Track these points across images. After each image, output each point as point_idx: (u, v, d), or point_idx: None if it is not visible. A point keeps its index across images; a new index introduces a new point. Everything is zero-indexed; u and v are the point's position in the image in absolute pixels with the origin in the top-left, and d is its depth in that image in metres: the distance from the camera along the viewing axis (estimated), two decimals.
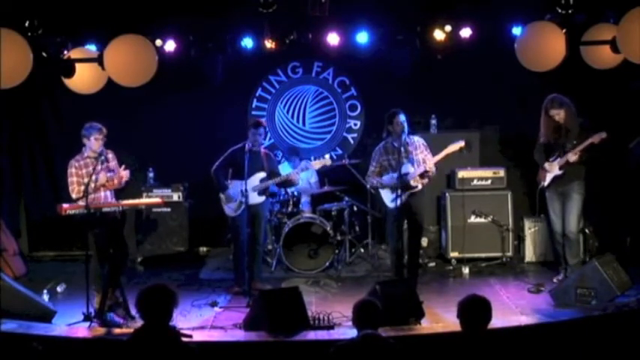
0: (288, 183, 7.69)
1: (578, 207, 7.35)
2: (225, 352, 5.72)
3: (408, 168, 7.19)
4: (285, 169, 8.35)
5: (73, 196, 6.67)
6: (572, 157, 7.23)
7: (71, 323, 6.39)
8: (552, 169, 7.36)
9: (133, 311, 6.14)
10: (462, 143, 7.21)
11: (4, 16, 6.66)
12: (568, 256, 7.40)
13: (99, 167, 6.67)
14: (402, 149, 7.18)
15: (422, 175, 7.20)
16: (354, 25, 7.87)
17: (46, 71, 7.14)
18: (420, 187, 7.24)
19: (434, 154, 7.30)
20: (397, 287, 6.46)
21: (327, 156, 7.60)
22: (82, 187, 6.61)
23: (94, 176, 6.60)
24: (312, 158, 7.67)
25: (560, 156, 7.32)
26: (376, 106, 9.21)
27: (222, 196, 7.52)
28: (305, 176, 8.63)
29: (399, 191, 7.05)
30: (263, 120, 8.32)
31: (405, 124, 7.17)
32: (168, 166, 9.18)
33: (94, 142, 6.69)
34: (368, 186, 7.75)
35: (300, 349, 5.73)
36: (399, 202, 7.04)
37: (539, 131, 7.50)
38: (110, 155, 6.87)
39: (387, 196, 7.29)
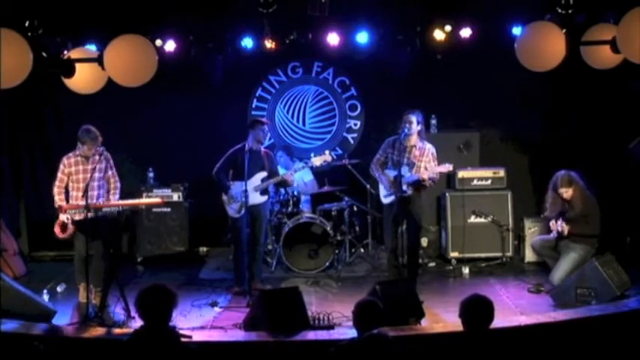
0: (283, 183, 7.70)
1: (571, 265, 7.08)
2: (225, 352, 5.73)
3: (405, 171, 7.23)
4: (280, 169, 8.35)
5: (53, 189, 6.99)
6: (566, 230, 7.17)
7: (71, 323, 6.40)
8: (553, 229, 7.31)
9: (133, 311, 6.14)
10: (449, 167, 7.30)
11: (4, 16, 6.64)
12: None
13: (88, 167, 6.88)
14: (407, 150, 7.21)
15: (416, 184, 7.23)
16: (354, 25, 7.87)
17: (46, 71, 7.13)
18: (409, 192, 7.25)
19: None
20: (397, 287, 6.47)
21: (327, 152, 7.54)
22: (62, 185, 6.93)
23: (80, 175, 6.87)
24: (313, 155, 7.65)
25: (562, 222, 7.21)
26: (376, 106, 9.23)
27: (224, 197, 7.51)
28: (299, 176, 8.60)
29: (393, 190, 7.18)
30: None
31: (408, 125, 7.19)
32: (168, 166, 9.17)
33: (86, 149, 6.91)
34: (371, 173, 7.74)
35: (300, 349, 5.73)
36: (390, 199, 7.23)
37: (543, 202, 7.51)
38: (102, 157, 6.91)
39: (382, 192, 7.41)
